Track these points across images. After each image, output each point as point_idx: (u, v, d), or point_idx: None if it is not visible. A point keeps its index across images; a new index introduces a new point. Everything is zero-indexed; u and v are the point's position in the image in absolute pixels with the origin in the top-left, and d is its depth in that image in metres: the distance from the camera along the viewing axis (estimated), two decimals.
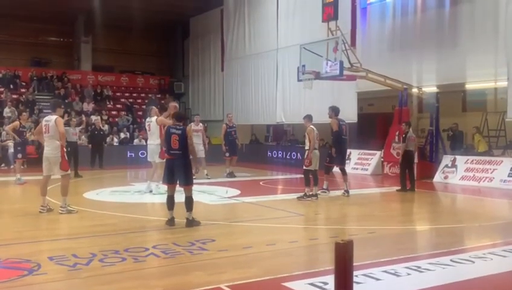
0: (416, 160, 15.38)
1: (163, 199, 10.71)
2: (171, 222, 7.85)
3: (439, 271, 5.46)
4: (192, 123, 15.73)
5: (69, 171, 9.29)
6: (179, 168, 7.78)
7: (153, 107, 12.33)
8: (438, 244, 6.97)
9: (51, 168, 9.02)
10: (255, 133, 24.66)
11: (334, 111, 11.69)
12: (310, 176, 10.77)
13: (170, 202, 7.93)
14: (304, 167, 10.80)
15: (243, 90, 24.02)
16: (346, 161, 18.03)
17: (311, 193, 10.76)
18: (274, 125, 23.67)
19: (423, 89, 16.35)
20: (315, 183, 10.85)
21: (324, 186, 11.64)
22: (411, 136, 12.58)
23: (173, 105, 11.72)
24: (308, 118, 10.94)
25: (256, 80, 23.15)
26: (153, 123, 11.64)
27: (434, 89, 16.25)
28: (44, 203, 9.01)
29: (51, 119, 8.94)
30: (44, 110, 23.38)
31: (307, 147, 10.76)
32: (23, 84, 25.23)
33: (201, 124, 15.79)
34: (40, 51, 27.37)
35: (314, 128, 10.70)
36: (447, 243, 6.76)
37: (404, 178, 12.38)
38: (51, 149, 8.91)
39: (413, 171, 12.76)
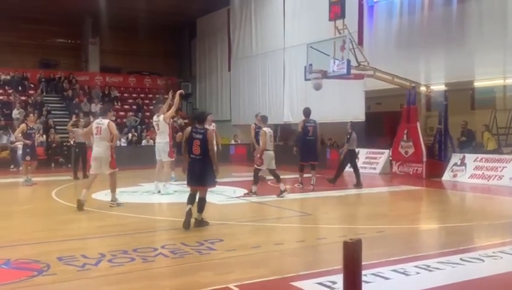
0: (424, 158, 15.40)
1: (171, 199, 10.85)
2: (188, 213, 7.59)
3: (448, 270, 5.43)
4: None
5: (117, 169, 9.86)
6: (198, 169, 7.74)
7: (161, 105, 12.34)
8: (447, 243, 6.92)
9: (101, 167, 9.69)
10: None
11: (304, 112, 12.54)
12: (260, 175, 11.42)
13: (191, 199, 7.82)
14: (255, 166, 11.23)
15: (250, 90, 24.03)
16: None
17: (254, 191, 11.19)
18: (281, 124, 23.63)
19: (431, 87, 16.27)
20: (255, 182, 11.29)
21: (312, 182, 12.12)
22: (354, 136, 13.23)
23: (179, 92, 11.92)
24: (262, 118, 11.79)
25: (263, 80, 23.15)
26: (161, 122, 11.66)
27: (442, 87, 16.17)
28: (84, 197, 9.37)
29: (104, 123, 9.69)
30: (53, 112, 23.59)
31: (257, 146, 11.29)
32: (32, 85, 25.40)
33: (214, 124, 15.42)
34: (48, 52, 27.51)
35: (267, 131, 11.08)
36: (457, 242, 6.72)
37: (339, 174, 13.41)
38: (102, 149, 9.62)
39: (358, 168, 13.51)
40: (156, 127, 11.95)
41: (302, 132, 12.34)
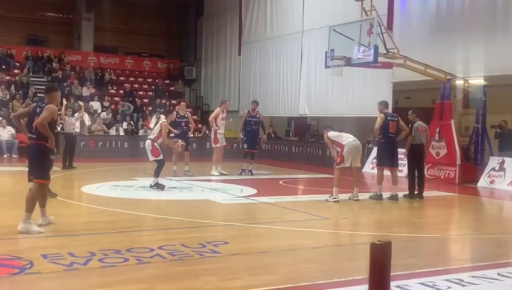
0: (458, 161, 15.28)
1: (169, 195, 10.88)
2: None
3: (484, 286, 5.40)
4: (218, 108, 15.68)
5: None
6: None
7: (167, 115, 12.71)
8: (483, 255, 6.89)
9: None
10: (273, 126, 24.57)
11: (383, 104, 11.95)
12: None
13: None
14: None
15: (261, 78, 24.00)
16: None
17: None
18: (296, 118, 23.58)
19: (469, 81, 16.13)
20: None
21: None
22: (420, 127, 11.85)
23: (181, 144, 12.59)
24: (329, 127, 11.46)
25: (277, 66, 23.10)
26: (157, 127, 11.98)
27: (481, 81, 16.03)
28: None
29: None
30: (39, 94, 23.66)
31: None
32: (17, 64, 25.52)
33: (225, 110, 15.70)
34: (37, 27, 27.61)
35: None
36: (494, 255, 6.69)
37: (413, 180, 11.99)
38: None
39: (423, 172, 12.59)
40: (152, 124, 12.28)
41: (383, 127, 11.43)
